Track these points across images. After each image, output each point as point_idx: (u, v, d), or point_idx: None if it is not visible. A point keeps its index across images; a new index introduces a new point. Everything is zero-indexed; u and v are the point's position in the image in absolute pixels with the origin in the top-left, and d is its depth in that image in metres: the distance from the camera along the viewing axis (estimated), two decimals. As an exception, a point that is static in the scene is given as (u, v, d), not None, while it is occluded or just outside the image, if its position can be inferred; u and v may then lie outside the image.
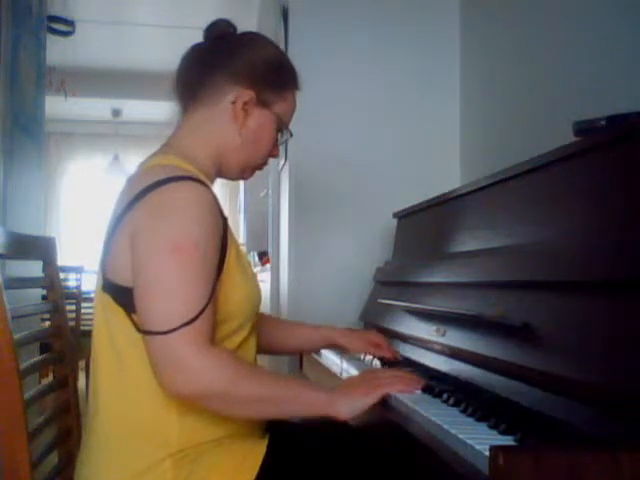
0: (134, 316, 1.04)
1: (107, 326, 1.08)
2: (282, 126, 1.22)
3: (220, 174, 1.23)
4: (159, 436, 1.04)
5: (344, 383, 1.17)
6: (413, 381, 1.16)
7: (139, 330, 1.02)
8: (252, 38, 1.23)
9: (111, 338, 1.08)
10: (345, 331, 1.53)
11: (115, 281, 1.06)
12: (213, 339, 1.03)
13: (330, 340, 1.50)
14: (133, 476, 1.03)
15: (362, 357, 1.65)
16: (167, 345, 0.97)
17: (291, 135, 1.27)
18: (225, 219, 1.10)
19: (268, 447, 1.09)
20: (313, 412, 1.07)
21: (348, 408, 1.06)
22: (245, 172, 1.25)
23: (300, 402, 1.06)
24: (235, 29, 1.23)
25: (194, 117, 1.19)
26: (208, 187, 1.09)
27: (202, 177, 1.10)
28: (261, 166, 1.27)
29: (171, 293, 0.99)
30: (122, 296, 1.05)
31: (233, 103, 1.16)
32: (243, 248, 5.10)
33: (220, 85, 1.16)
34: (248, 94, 1.16)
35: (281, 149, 2.73)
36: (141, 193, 1.03)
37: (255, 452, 1.08)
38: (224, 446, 1.08)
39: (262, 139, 1.20)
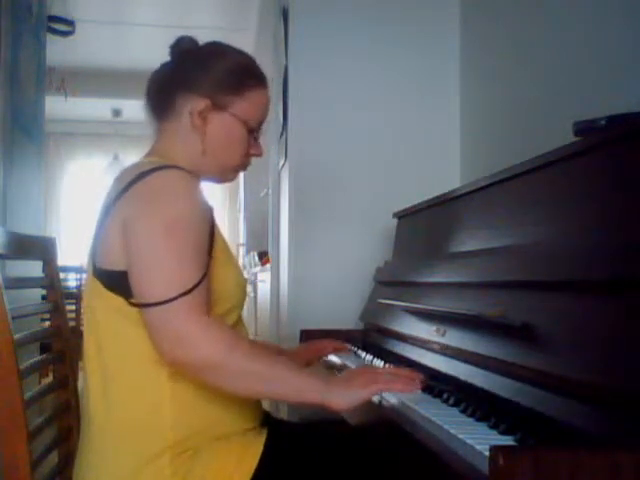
0: (131, 300, 1.05)
1: (94, 321, 1.10)
2: (250, 125, 1.22)
3: (201, 178, 1.23)
4: (154, 429, 1.05)
5: (342, 375, 1.17)
6: (412, 381, 1.16)
7: (134, 305, 1.04)
8: (209, 50, 1.25)
9: (97, 333, 1.10)
10: (293, 350, 1.63)
11: (107, 267, 1.08)
12: (210, 312, 1.05)
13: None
14: (132, 472, 1.04)
15: (363, 358, 1.65)
16: (165, 315, 0.99)
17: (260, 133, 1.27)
18: (212, 208, 1.12)
19: (267, 445, 1.10)
20: (307, 398, 1.05)
21: (343, 398, 1.05)
22: (225, 175, 1.26)
23: (295, 385, 1.05)
24: (196, 44, 1.25)
25: (166, 131, 1.22)
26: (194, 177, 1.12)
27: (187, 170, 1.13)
28: (242, 167, 1.27)
29: (168, 267, 1.01)
30: (114, 281, 1.07)
31: (191, 114, 1.19)
32: (241, 249, 5.11)
33: (180, 100, 1.20)
34: (203, 102, 1.18)
35: (281, 149, 2.74)
36: (130, 183, 1.07)
37: (254, 449, 1.09)
38: (222, 443, 1.08)
39: (228, 142, 1.21)
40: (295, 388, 1.06)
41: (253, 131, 1.24)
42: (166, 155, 1.18)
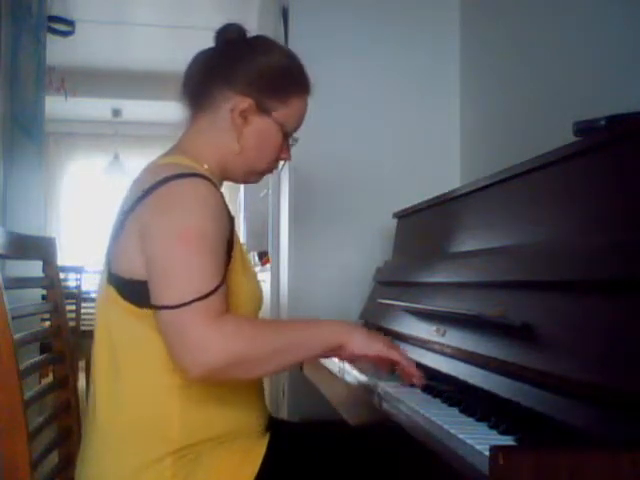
0: (144, 310, 1.04)
1: (107, 323, 1.09)
2: (287, 131, 1.20)
3: (226, 177, 1.23)
4: (159, 433, 1.05)
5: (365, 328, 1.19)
6: (419, 375, 1.16)
7: (150, 307, 1.02)
8: (257, 44, 1.21)
9: (110, 336, 1.09)
10: None
11: (122, 275, 1.07)
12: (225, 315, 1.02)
13: None
14: (133, 473, 1.04)
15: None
16: (180, 320, 0.97)
17: (296, 140, 1.25)
18: (232, 218, 1.11)
19: (268, 447, 1.09)
20: (331, 342, 1.08)
21: (362, 343, 1.08)
22: (251, 176, 1.25)
23: (319, 337, 1.07)
24: (244, 34, 1.21)
25: (199, 123, 1.19)
26: (215, 185, 1.10)
27: (209, 176, 1.11)
28: (269, 170, 1.26)
29: (184, 273, 0.99)
30: (129, 290, 1.05)
31: (231, 111, 1.15)
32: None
33: (220, 93, 1.16)
34: (246, 102, 1.15)
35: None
36: (150, 189, 1.04)
37: (255, 452, 1.08)
38: (224, 446, 1.08)
39: (264, 145, 1.19)
40: (319, 340, 1.08)
41: (288, 136, 1.22)
42: (193, 152, 1.15)
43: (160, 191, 1.04)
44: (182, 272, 1.00)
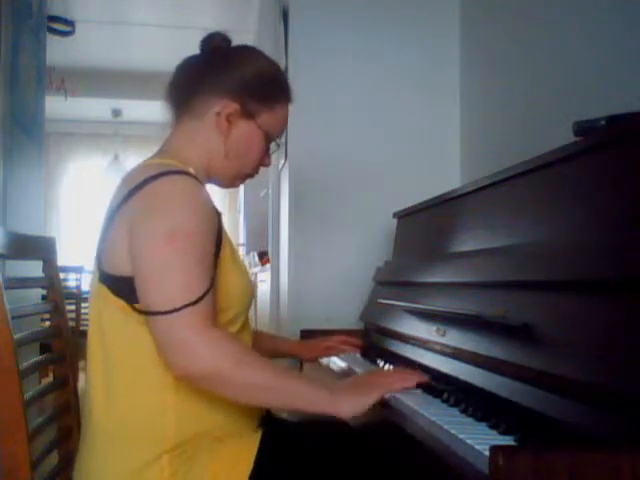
0: (136, 305, 1.04)
1: (99, 321, 1.10)
2: (270, 137, 1.23)
3: (210, 181, 1.24)
4: (155, 432, 1.05)
5: (345, 382, 1.17)
6: (413, 376, 1.16)
7: (140, 312, 1.03)
8: (244, 52, 1.24)
9: (102, 333, 1.09)
10: (299, 343, 1.71)
11: (112, 272, 1.07)
12: (216, 323, 1.04)
13: (282, 351, 1.59)
14: (132, 473, 1.04)
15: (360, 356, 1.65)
16: (170, 325, 0.98)
17: (278, 146, 1.28)
18: (219, 214, 1.12)
19: (264, 445, 1.09)
20: (313, 409, 1.06)
21: (350, 408, 1.06)
22: (235, 180, 1.27)
23: (301, 397, 1.06)
24: (229, 43, 1.24)
25: (185, 127, 1.21)
26: (201, 183, 1.12)
27: (195, 174, 1.12)
28: (251, 175, 1.28)
29: (172, 277, 1.00)
30: (119, 287, 1.06)
31: (218, 114, 1.18)
32: (241, 249, 5.12)
33: (207, 98, 1.19)
34: (232, 106, 1.17)
35: (281, 149, 2.74)
36: (137, 187, 1.05)
37: (251, 449, 1.09)
38: (220, 443, 1.08)
39: (249, 150, 1.22)
40: (300, 400, 1.06)
41: (270, 142, 1.24)
42: (179, 154, 1.17)
43: (147, 189, 1.05)
44: (171, 276, 1.00)
